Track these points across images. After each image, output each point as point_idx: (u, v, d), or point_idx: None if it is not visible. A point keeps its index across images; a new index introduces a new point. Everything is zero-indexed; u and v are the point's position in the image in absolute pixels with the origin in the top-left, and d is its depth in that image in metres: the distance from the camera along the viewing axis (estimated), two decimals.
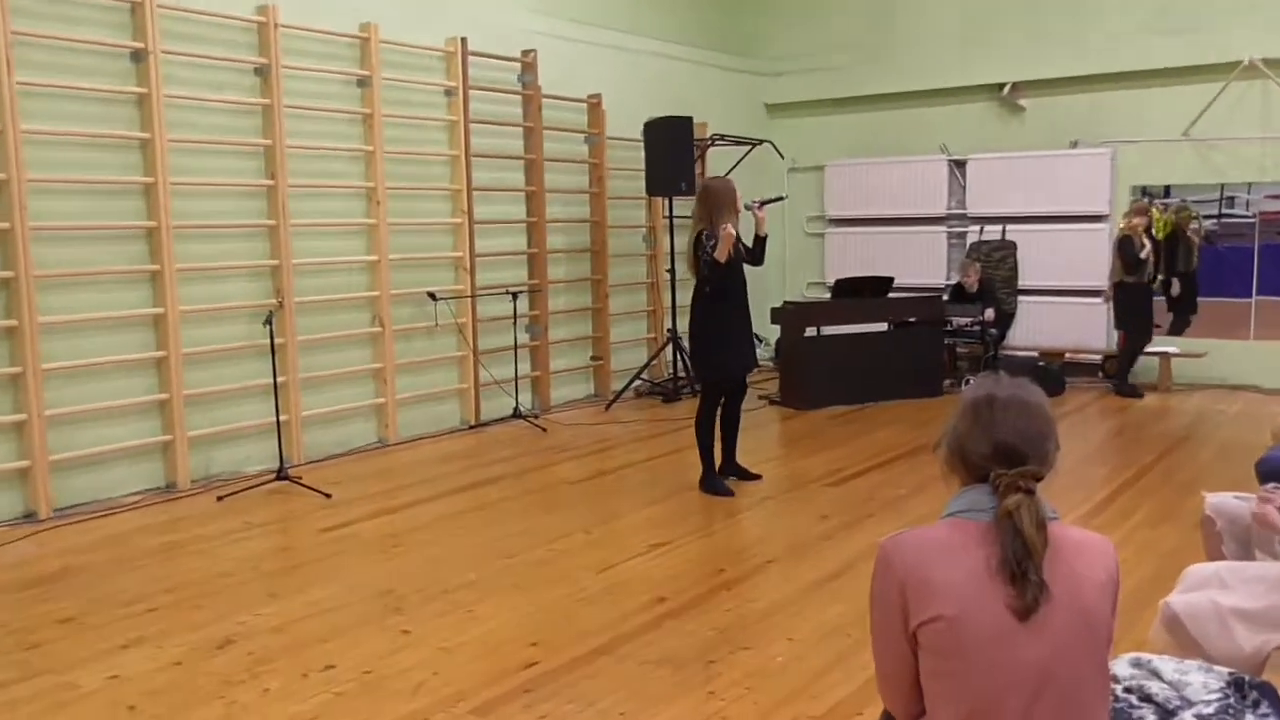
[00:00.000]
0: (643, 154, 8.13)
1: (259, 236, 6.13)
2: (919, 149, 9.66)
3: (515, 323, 7.43)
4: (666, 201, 8.40)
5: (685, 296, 9.17)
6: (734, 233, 5.19)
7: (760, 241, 5.44)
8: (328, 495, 5.46)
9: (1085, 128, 8.95)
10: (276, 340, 5.83)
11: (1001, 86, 9.25)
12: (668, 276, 8.46)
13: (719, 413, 5.54)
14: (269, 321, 5.59)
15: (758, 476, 5.71)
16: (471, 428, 7.27)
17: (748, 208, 5.45)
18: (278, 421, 5.84)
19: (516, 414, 7.40)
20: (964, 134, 9.49)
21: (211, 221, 5.88)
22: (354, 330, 6.65)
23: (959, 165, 9.53)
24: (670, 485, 5.65)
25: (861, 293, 8.40)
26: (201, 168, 5.84)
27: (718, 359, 5.32)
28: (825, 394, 7.93)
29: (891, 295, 8.54)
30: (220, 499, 5.41)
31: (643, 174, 8.17)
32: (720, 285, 5.26)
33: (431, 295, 7.01)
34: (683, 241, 9.02)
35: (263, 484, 5.62)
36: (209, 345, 5.87)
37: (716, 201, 5.28)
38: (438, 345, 7.19)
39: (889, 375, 8.07)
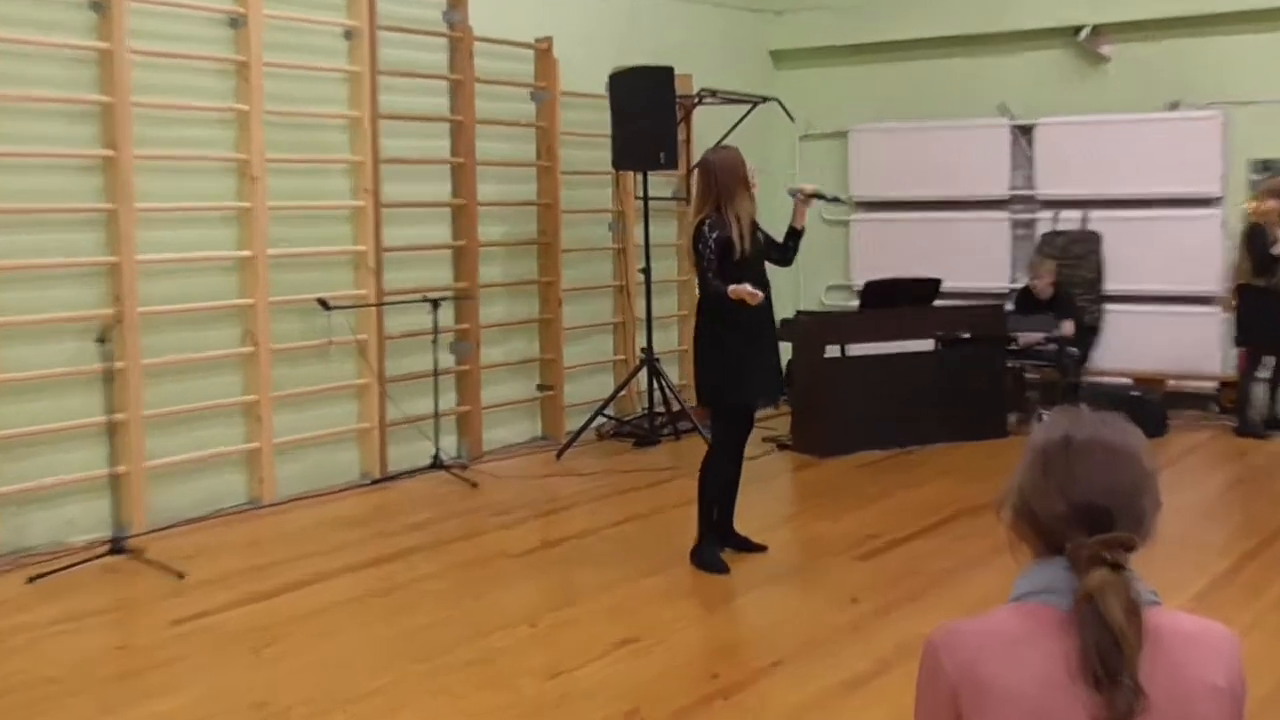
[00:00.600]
0: (608, 116, 8.16)
1: (92, 225, 6.07)
2: (972, 110, 9.75)
3: (436, 340, 7.40)
4: (639, 178, 8.42)
5: (664, 305, 9.23)
6: (759, 296, 5.21)
7: (794, 236, 5.52)
8: (180, 575, 5.39)
9: (1188, 84, 9.07)
10: (113, 364, 5.78)
11: (1078, 30, 9.37)
12: (641, 277, 8.48)
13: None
14: (103, 339, 5.53)
15: (762, 547, 5.70)
16: (376, 483, 7.23)
17: (791, 193, 5.51)
18: (113, 474, 5.77)
19: (437, 464, 7.36)
20: (1030, 92, 9.59)
21: (28, 205, 5.82)
22: (218, 350, 6.60)
23: (1024, 132, 9.63)
24: (646, 559, 5.62)
25: (898, 300, 8.44)
26: (17, 133, 5.78)
27: (731, 379, 5.35)
28: (852, 435, 7.95)
29: (938, 303, 8.60)
30: (34, 580, 5.33)
31: (608, 142, 8.19)
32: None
33: (323, 303, 6.98)
34: (661, 230, 9.06)
35: (92, 559, 5.53)
36: (20, 371, 5.80)
37: (719, 180, 5.33)
38: (331, 371, 7.15)
39: (936, 410, 8.11)
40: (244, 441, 6.72)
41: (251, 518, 6.50)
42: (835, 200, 6.01)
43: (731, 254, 5.26)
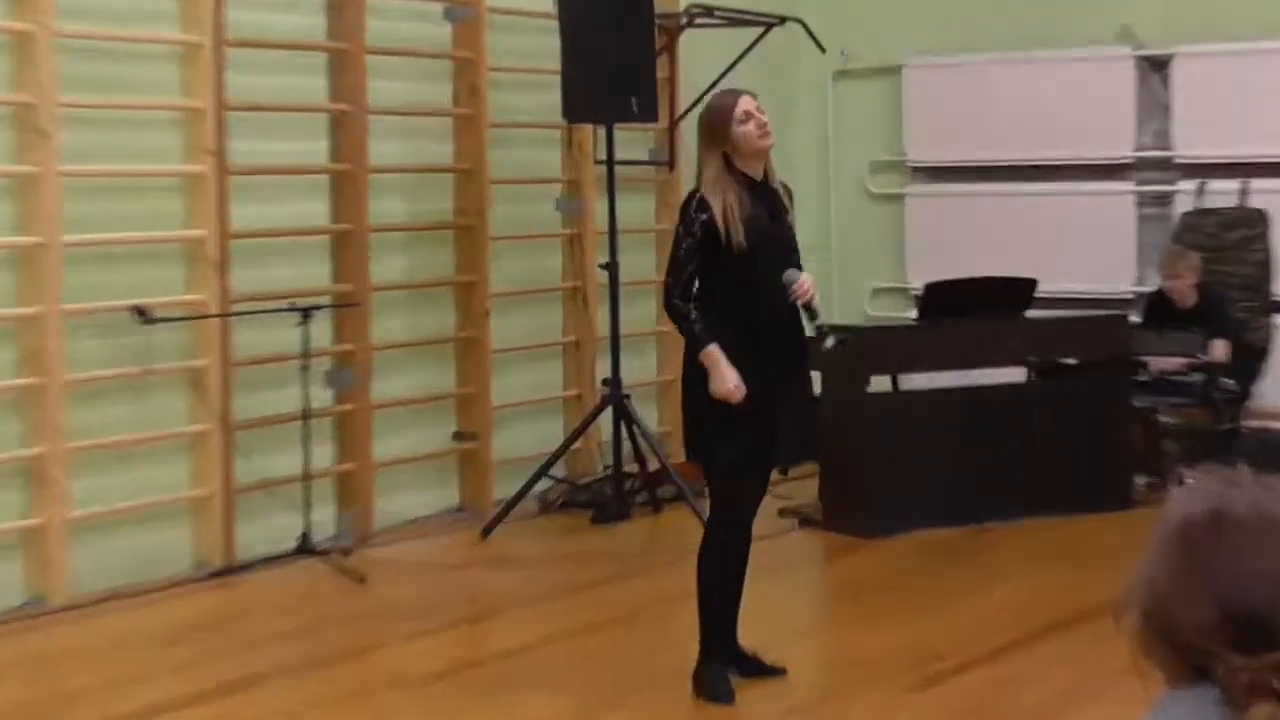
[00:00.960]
0: (557, 44, 8.17)
1: None
2: (1080, 36, 9.80)
3: (307, 368, 7.39)
4: (603, 134, 8.44)
5: (637, 316, 9.19)
6: (740, 394, 5.23)
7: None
8: None
9: None
10: None
11: None
12: (604, 277, 8.48)
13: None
14: None
15: (779, 670, 5.72)
16: (217, 575, 7.20)
17: (786, 283, 5.47)
18: None
19: (306, 548, 7.34)
20: (1165, 9, 9.66)
21: None
22: None
23: (1156, 67, 9.69)
24: (607, 685, 5.64)
25: (974, 309, 8.47)
26: None
27: (731, 430, 5.36)
28: (907, 506, 7.96)
29: (1031, 314, 8.63)
30: None
31: (556, 81, 8.20)
32: (731, 294, 5.34)
33: (141, 313, 6.95)
34: (633, 209, 9.05)
35: None
36: None
37: (703, 136, 5.46)
38: (152, 412, 7.13)
39: (1029, 470, 8.13)
40: (22, 516, 6.68)
41: (33, 627, 6.46)
42: (820, 331, 5.85)
43: (723, 244, 5.28)
